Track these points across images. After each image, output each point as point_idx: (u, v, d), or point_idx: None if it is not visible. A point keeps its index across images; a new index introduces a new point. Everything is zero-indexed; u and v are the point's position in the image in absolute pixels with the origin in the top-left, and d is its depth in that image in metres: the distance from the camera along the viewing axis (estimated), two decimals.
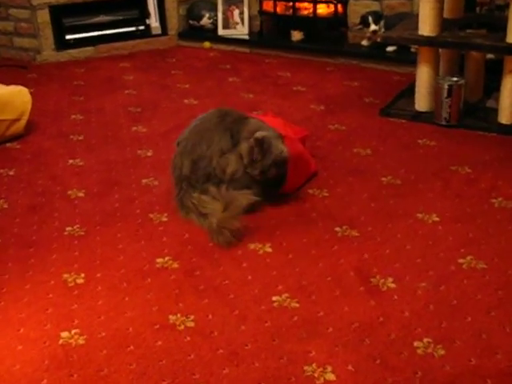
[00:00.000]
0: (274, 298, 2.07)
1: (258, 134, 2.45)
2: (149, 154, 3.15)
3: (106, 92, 4.01)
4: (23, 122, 3.33)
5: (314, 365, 1.78)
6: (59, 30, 4.66)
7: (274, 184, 2.55)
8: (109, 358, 1.82)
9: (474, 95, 3.51)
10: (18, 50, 4.75)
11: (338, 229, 2.46)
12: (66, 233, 2.47)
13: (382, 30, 4.22)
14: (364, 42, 4.38)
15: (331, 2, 4.44)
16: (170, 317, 2.00)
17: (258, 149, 2.46)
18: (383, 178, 2.83)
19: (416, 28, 3.37)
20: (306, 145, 2.98)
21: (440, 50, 3.43)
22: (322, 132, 3.29)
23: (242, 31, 4.80)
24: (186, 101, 3.81)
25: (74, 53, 4.72)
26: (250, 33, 4.81)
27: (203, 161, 2.50)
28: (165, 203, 2.64)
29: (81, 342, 1.89)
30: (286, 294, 2.09)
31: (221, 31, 4.84)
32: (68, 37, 4.71)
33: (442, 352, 1.81)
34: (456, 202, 2.60)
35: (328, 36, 4.53)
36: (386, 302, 2.04)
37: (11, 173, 2.97)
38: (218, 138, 2.51)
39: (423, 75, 3.42)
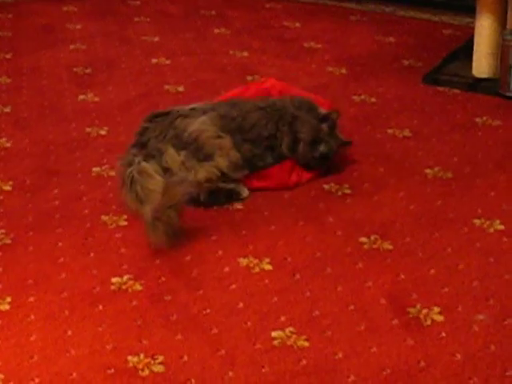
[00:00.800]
0: (275, 334, 2.07)
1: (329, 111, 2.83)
2: (102, 132, 3.15)
3: (42, 46, 4.00)
4: None
5: None
6: None
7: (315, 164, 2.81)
8: None
9: None
10: None
11: (363, 239, 2.46)
12: None
13: None
14: None
15: None
16: (130, 358, 1.99)
17: (328, 126, 2.76)
18: (428, 170, 2.84)
19: None
20: None
21: None
22: (344, 105, 3.29)
23: None
24: (154, 60, 3.82)
25: None
26: None
27: (172, 115, 2.74)
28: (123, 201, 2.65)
29: None
30: (291, 329, 2.09)
31: None
32: None
33: None
34: None
35: None
36: (429, 341, 2.04)
37: None
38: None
39: (484, 29, 3.43)
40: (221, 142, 2.70)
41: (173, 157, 2.67)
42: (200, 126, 2.71)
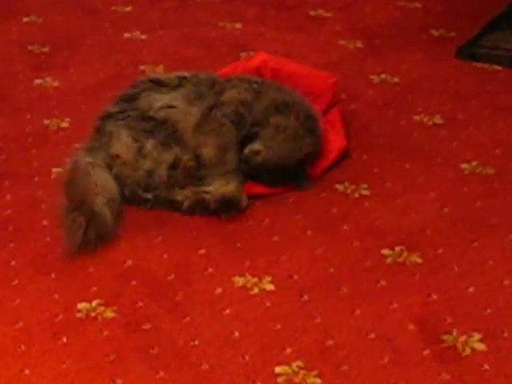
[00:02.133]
0: (279, 370, 2.07)
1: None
2: (63, 124, 3.15)
3: None
4: None
5: None
6: None
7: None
8: None
9: None
10: None
11: (386, 251, 2.47)
12: None
13: None
14: None
15: None
16: None
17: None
18: (464, 165, 2.85)
19: None
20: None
21: None
22: (359, 86, 3.29)
23: None
24: (126, 34, 3.83)
25: None
26: None
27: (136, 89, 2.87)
28: None
29: None
30: (299, 363, 2.09)
31: None
32: None
33: None
34: None
35: None
36: (469, 376, 2.03)
37: None
38: None
39: None
40: (191, 119, 2.74)
41: (125, 143, 2.70)
42: (169, 102, 2.75)
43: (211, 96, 2.80)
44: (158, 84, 2.83)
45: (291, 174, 2.75)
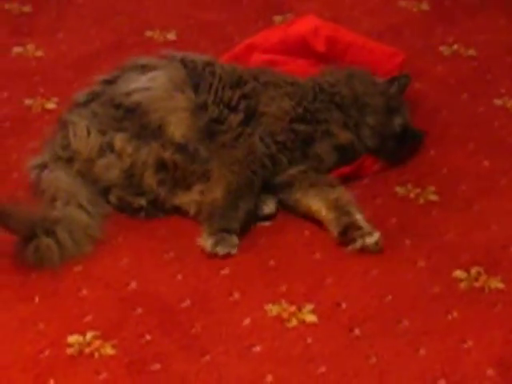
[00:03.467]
0: None
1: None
2: (49, 105, 3.18)
3: None
4: None
5: None
6: None
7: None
8: None
9: None
10: None
11: (459, 273, 2.46)
12: None
13: None
14: None
15: None
16: None
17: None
18: None
19: None
20: None
21: None
22: (425, 61, 3.31)
23: None
24: None
25: None
26: None
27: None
28: None
29: None
30: None
31: None
32: None
33: None
34: None
35: None
36: None
37: None
38: None
39: None
40: (173, 105, 2.72)
41: (84, 137, 2.70)
42: (145, 84, 2.74)
43: (224, 87, 2.78)
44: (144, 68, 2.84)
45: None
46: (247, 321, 2.31)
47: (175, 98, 2.72)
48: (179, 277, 2.45)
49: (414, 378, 2.16)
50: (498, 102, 3.11)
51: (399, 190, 2.75)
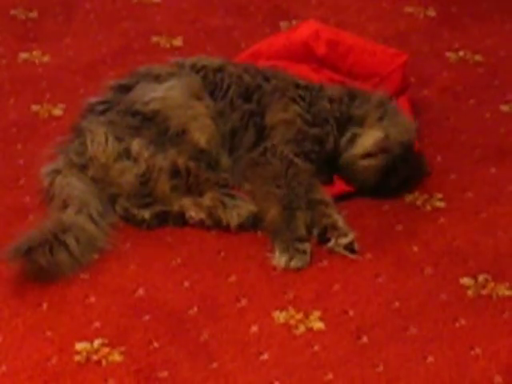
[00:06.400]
0: None
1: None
2: (56, 112, 3.17)
3: None
4: None
5: None
6: None
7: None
8: None
9: None
10: None
11: (467, 281, 2.46)
12: None
13: None
14: None
15: None
16: None
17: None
18: None
19: None
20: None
21: None
22: (432, 67, 3.30)
23: None
24: None
25: None
26: None
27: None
28: None
29: None
30: None
31: None
32: None
33: None
34: None
35: None
36: None
37: None
38: None
39: None
40: (194, 112, 2.74)
41: (102, 143, 2.70)
42: (164, 93, 2.75)
43: (239, 101, 2.81)
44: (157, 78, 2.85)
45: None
46: (255, 328, 2.32)
47: (194, 105, 2.75)
48: (186, 284, 2.45)
49: None
50: (504, 108, 3.11)
51: (406, 196, 2.75)
